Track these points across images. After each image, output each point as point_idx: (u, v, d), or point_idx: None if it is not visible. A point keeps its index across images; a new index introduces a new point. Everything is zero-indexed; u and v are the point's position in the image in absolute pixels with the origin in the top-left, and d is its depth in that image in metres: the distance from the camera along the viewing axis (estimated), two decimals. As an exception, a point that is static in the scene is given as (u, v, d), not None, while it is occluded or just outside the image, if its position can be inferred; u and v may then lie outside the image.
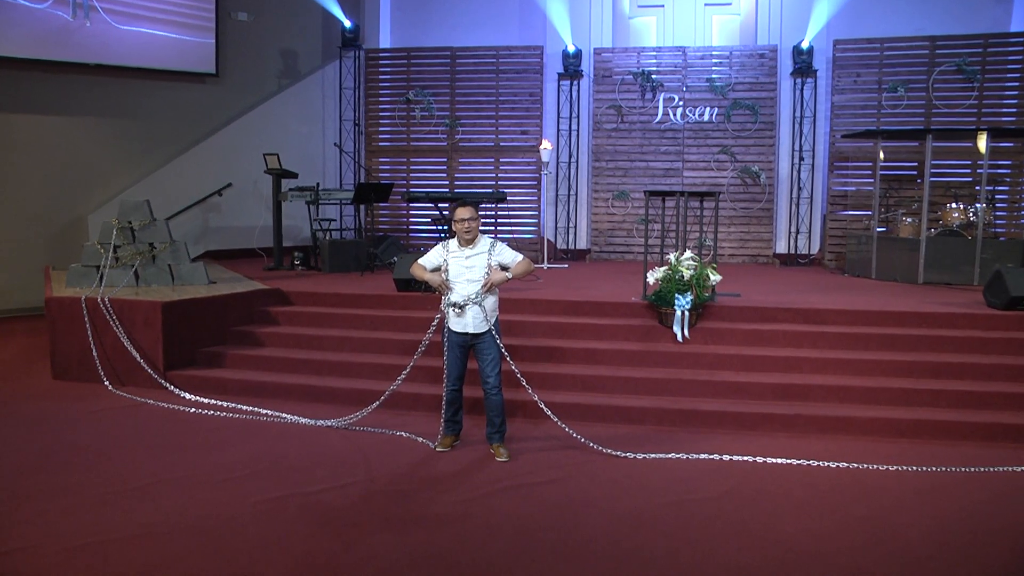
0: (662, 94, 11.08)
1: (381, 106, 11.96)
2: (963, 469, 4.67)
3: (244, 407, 5.85)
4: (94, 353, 6.47)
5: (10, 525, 3.82)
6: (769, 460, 4.80)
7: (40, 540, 3.66)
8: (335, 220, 10.77)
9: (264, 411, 5.77)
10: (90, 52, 9.99)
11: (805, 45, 10.54)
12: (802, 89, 10.74)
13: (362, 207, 10.97)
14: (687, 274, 6.23)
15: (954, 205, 8.89)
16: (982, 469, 4.67)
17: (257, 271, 9.09)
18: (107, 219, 7.65)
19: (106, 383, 6.40)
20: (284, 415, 5.67)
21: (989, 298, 6.71)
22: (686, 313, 6.21)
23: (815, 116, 10.73)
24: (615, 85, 11.19)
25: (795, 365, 5.96)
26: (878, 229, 9.29)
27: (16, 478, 4.43)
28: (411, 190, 11.27)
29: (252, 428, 5.46)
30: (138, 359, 6.32)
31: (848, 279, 9.09)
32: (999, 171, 10.11)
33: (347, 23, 11.67)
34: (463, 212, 4.74)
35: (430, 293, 6.73)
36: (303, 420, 5.57)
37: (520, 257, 4.90)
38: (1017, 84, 10.17)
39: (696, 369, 6.03)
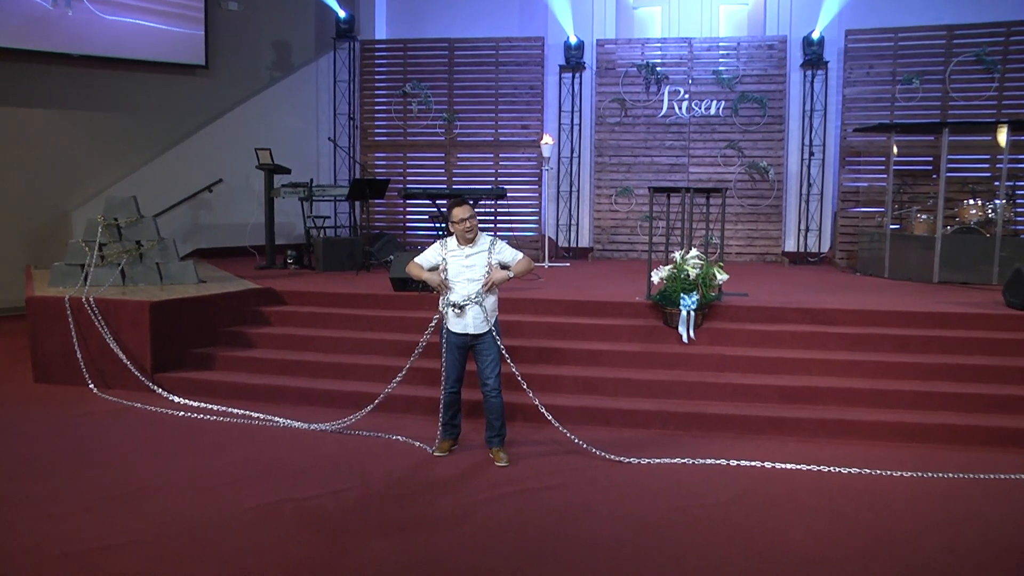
0: (667, 87, 11.09)
1: (377, 99, 11.98)
2: (980, 476, 4.67)
3: (235, 410, 5.86)
4: (78, 355, 6.48)
5: (-8, 532, 3.82)
6: (777, 465, 4.81)
7: (20, 550, 3.66)
8: (329, 217, 10.79)
9: (256, 414, 5.77)
10: (73, 42, 9.99)
11: (816, 36, 10.55)
12: (812, 81, 10.74)
13: (357, 204, 10.99)
14: (693, 273, 6.24)
15: (972, 201, 8.87)
16: (1000, 476, 4.67)
17: (249, 270, 9.10)
18: (92, 216, 7.65)
19: (91, 386, 6.41)
20: (277, 419, 5.68)
21: (1008, 298, 6.71)
22: (691, 313, 6.22)
23: (826, 109, 10.74)
24: (618, 78, 11.20)
25: (804, 367, 5.96)
26: (891, 226, 9.28)
27: (-2, 484, 4.43)
28: (408, 186, 11.26)
29: (243, 432, 5.46)
30: (125, 361, 6.33)
31: (860, 278, 9.09)
32: (1020, 166, 10.08)
33: (342, 13, 11.68)
34: (460, 212, 4.74)
35: (427, 292, 6.74)
36: (296, 424, 5.57)
37: (520, 255, 4.91)
38: (1041, 74, 10.07)
39: (702, 371, 6.03)
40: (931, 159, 10.20)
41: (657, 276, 6.44)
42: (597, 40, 11.34)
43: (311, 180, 10.00)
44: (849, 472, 4.71)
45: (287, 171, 9.82)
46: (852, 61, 10.54)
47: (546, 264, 10.23)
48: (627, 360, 6.18)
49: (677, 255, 6.41)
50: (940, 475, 4.67)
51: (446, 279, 4.81)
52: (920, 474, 4.68)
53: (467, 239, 4.78)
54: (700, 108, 11.04)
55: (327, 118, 12.02)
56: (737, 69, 10.92)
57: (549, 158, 10.56)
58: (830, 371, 5.92)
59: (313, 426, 5.51)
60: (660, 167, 11.19)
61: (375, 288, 7.54)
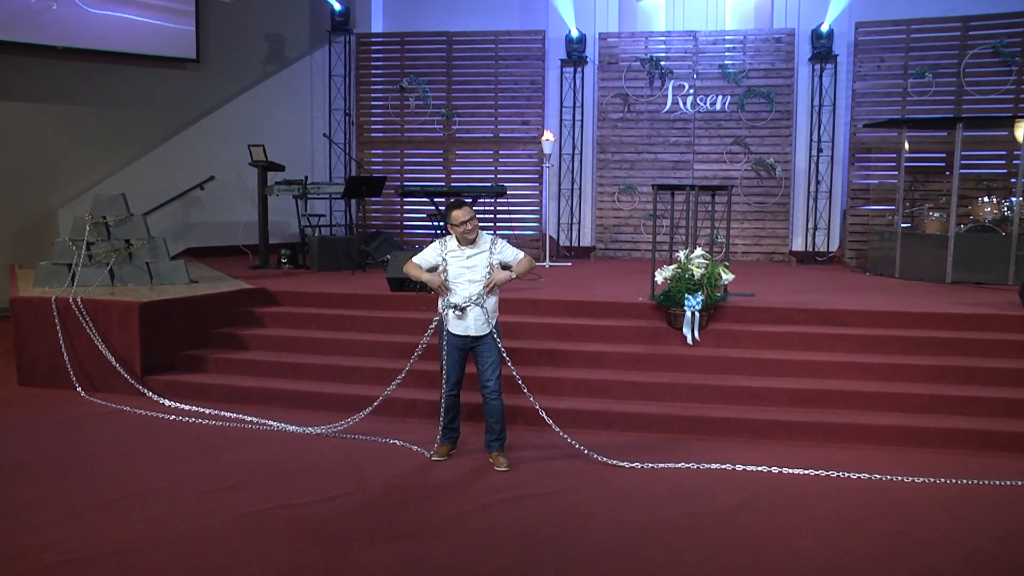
0: (671, 81, 11.09)
1: (373, 94, 11.98)
2: (996, 482, 4.66)
3: (227, 414, 5.85)
4: (65, 357, 6.47)
5: (-24, 540, 3.81)
6: (785, 470, 4.80)
7: (4, 559, 3.64)
8: (324, 215, 10.78)
9: (249, 418, 5.76)
10: (57, 35, 9.95)
11: (825, 28, 10.54)
12: (821, 76, 10.74)
13: (353, 202, 10.96)
14: (697, 273, 6.23)
15: (986, 199, 8.85)
16: (1017, 483, 4.65)
17: (241, 270, 9.11)
18: (79, 214, 7.65)
19: (78, 389, 6.40)
20: (270, 422, 5.67)
21: (1024, 299, 6.70)
22: (696, 314, 6.21)
23: (835, 104, 10.74)
24: (621, 72, 11.20)
25: (813, 369, 5.95)
26: (902, 225, 9.28)
27: (-18, 490, 4.42)
28: (405, 184, 11.28)
29: (236, 436, 5.46)
30: (114, 363, 6.32)
31: (870, 278, 9.09)
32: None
33: (337, 6, 11.67)
34: (460, 214, 4.73)
35: (425, 293, 6.74)
36: (290, 427, 5.57)
37: (522, 255, 4.91)
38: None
39: (707, 373, 6.02)
40: (944, 155, 10.19)
41: (661, 276, 6.43)
42: (599, 33, 11.33)
43: (306, 177, 10.00)
44: (860, 477, 4.70)
45: (281, 168, 9.82)
46: (862, 54, 10.53)
47: (547, 264, 10.22)
48: (630, 362, 6.17)
49: (681, 254, 6.40)
50: (954, 481, 4.66)
51: (446, 280, 4.81)
52: (933, 480, 4.67)
53: (468, 240, 4.78)
54: (705, 103, 11.04)
55: (322, 114, 12.01)
56: (743, 63, 10.91)
57: (550, 155, 10.55)
58: (840, 374, 5.91)
59: (308, 430, 5.50)
60: (664, 164, 11.18)
61: (371, 288, 7.53)
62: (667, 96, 11.12)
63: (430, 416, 5.36)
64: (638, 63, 11.13)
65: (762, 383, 5.80)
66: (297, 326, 7.06)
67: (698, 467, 4.86)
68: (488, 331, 4.80)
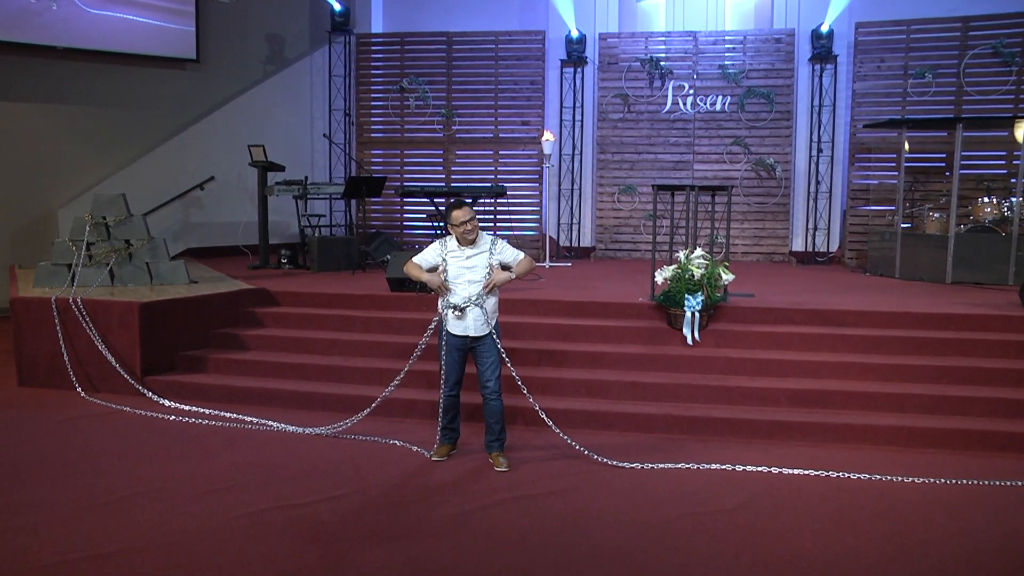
0: (671, 82, 11.09)
1: (373, 95, 11.98)
2: (996, 483, 4.66)
3: (227, 414, 5.85)
4: (65, 357, 6.47)
5: (-24, 540, 3.81)
6: (786, 471, 4.80)
7: (3, 560, 3.64)
8: (324, 216, 10.78)
9: (249, 418, 5.76)
10: (57, 35, 9.95)
11: (825, 29, 10.54)
12: (821, 76, 10.74)
13: (353, 202, 10.95)
14: (698, 273, 6.23)
15: (986, 199, 8.85)
16: (1018, 483, 4.65)
17: (241, 270, 9.10)
18: (79, 214, 7.65)
19: (78, 389, 6.40)
20: (270, 423, 5.67)
21: (1024, 299, 6.70)
22: (696, 314, 6.21)
23: (835, 105, 10.74)
24: (621, 72, 11.20)
25: (813, 370, 5.95)
26: (903, 225, 9.28)
27: (-19, 491, 4.42)
28: (405, 184, 11.27)
29: (236, 437, 5.46)
30: (113, 363, 6.32)
31: (870, 278, 9.09)
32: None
33: (337, 6, 11.67)
34: (460, 215, 4.73)
35: (425, 293, 6.74)
36: (290, 428, 5.57)
37: (522, 255, 4.92)
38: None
39: (707, 374, 6.03)
40: (944, 155, 10.18)
41: (661, 276, 6.43)
42: (599, 34, 11.33)
43: (306, 178, 10.00)
44: (860, 478, 4.70)
45: (281, 168, 9.82)
46: (862, 55, 10.53)
47: (547, 264, 10.22)
48: (630, 362, 6.17)
49: (681, 255, 6.40)
50: (955, 481, 4.66)
51: (446, 280, 4.81)
52: (934, 480, 4.67)
53: (468, 240, 4.78)
54: (705, 103, 11.04)
55: (322, 114, 12.01)
56: (743, 63, 10.91)
57: (550, 155, 10.55)
58: (840, 374, 5.91)
59: (308, 430, 5.50)
60: (664, 164, 11.18)
61: (372, 289, 7.53)
62: (667, 96, 11.12)
63: (430, 416, 5.36)
64: (638, 63, 11.13)
65: (762, 383, 5.80)
66: (297, 326, 7.06)
67: (698, 467, 4.86)
68: (488, 331, 4.81)
